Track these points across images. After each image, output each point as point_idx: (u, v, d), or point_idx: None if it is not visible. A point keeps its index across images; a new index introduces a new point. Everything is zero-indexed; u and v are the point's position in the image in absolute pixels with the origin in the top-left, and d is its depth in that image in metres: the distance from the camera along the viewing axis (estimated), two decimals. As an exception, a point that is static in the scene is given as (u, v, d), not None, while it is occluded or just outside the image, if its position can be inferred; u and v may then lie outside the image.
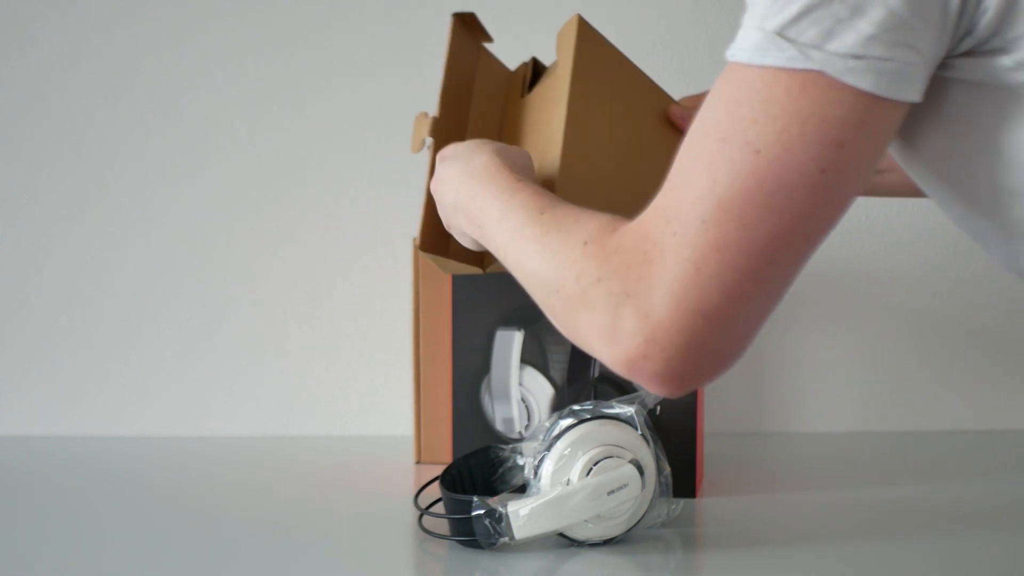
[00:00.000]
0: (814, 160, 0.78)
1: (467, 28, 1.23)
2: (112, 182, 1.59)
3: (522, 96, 1.24)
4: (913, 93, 0.79)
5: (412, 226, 1.57)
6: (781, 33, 0.78)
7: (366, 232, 1.60)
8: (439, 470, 1.20)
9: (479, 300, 1.34)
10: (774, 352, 1.62)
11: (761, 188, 0.79)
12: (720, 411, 1.60)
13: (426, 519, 1.17)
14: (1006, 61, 0.78)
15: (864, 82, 0.77)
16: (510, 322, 1.34)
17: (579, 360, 1.33)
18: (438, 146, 1.16)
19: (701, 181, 0.80)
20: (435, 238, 1.14)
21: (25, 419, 1.60)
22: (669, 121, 1.20)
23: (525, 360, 1.34)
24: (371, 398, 1.61)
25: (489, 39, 1.27)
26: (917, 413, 1.63)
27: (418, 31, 1.58)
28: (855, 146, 0.78)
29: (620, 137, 1.17)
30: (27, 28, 1.58)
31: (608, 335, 0.84)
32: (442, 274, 1.38)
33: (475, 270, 1.16)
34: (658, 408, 1.29)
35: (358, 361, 1.61)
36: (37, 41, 1.58)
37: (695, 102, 1.16)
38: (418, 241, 1.14)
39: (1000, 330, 1.63)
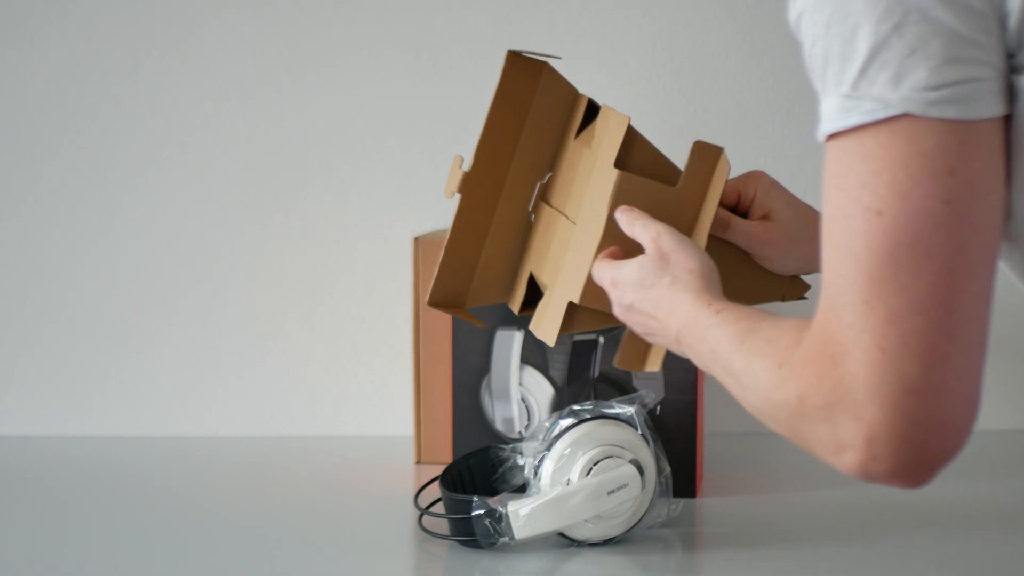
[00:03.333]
0: (933, 196, 0.76)
1: (520, 66, 1.15)
2: (112, 182, 1.59)
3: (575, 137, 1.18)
4: (997, 108, 0.76)
5: (413, 225, 1.57)
6: (854, 90, 0.76)
7: (366, 231, 1.59)
8: (439, 470, 1.20)
9: (479, 300, 1.34)
10: (774, 352, 1.61)
11: (900, 245, 0.76)
12: (720, 411, 1.60)
13: (426, 519, 1.17)
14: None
15: (949, 111, 0.75)
16: (510, 322, 1.34)
17: (579, 360, 1.33)
18: (466, 201, 1.15)
19: (846, 264, 0.78)
20: (445, 291, 1.14)
21: (25, 419, 1.60)
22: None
23: (525, 360, 1.34)
24: (371, 398, 1.60)
25: (554, 56, 1.17)
26: (917, 413, 1.62)
27: (419, 29, 1.58)
28: (967, 169, 0.76)
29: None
30: (27, 28, 1.58)
31: (833, 449, 0.81)
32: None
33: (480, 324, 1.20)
34: (658, 408, 1.29)
35: (358, 361, 1.61)
36: (37, 41, 1.58)
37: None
38: (427, 297, 1.14)
39: (1000, 330, 1.62)
